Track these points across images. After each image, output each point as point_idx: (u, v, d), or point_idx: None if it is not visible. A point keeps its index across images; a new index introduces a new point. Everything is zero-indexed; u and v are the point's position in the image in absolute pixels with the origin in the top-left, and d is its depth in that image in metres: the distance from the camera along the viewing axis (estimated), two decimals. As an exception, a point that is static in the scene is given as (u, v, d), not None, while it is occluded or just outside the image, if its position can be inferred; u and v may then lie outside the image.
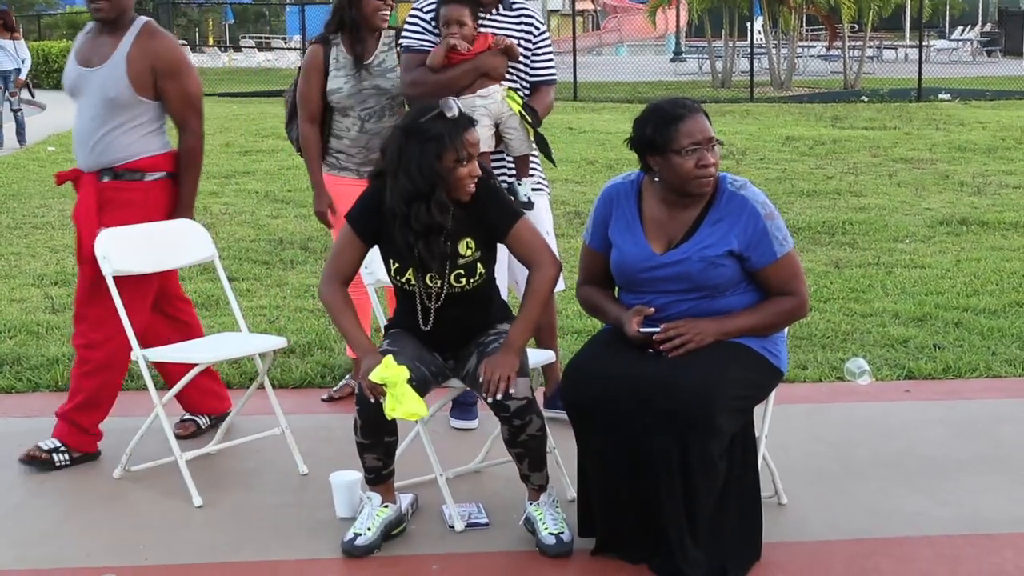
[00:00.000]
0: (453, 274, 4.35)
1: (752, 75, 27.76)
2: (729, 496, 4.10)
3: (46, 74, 34.76)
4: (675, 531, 4.01)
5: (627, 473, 4.08)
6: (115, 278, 4.98)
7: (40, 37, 43.17)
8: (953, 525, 4.56)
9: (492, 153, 5.32)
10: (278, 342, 5.21)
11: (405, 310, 4.50)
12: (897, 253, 9.56)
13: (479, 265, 4.38)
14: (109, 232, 5.06)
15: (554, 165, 5.65)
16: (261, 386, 5.23)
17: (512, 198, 4.52)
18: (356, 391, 4.28)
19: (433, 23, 5.38)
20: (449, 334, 4.46)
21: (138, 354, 4.93)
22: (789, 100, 25.92)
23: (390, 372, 4.14)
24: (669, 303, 4.19)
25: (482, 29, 5.33)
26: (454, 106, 4.23)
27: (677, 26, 42.29)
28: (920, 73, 26.33)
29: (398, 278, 4.40)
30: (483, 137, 5.18)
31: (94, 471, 5.14)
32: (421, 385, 4.29)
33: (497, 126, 5.31)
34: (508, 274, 5.40)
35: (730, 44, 31.26)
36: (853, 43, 31.66)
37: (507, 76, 5.35)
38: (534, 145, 5.40)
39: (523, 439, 4.28)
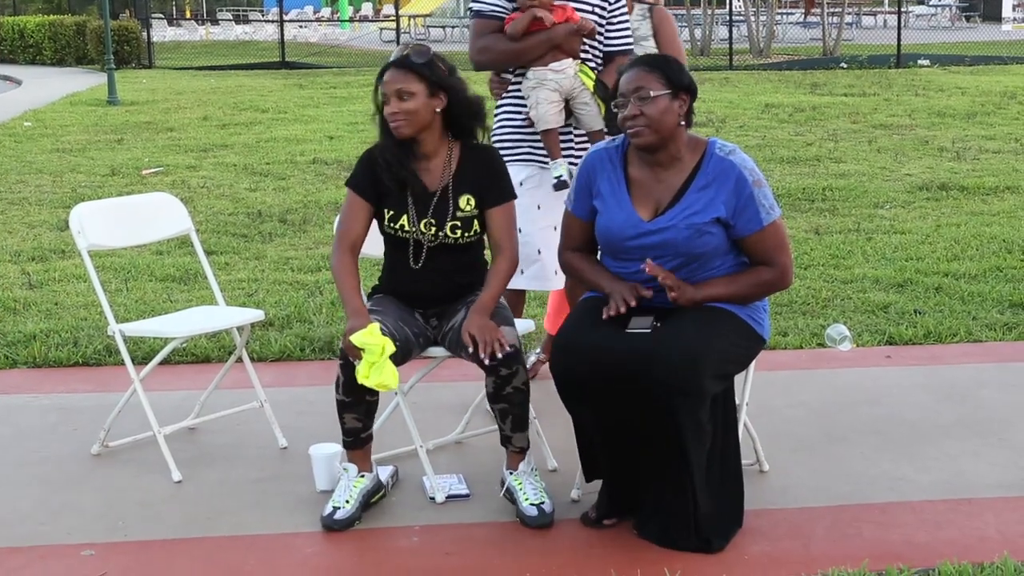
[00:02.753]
0: (450, 224, 4.45)
1: (731, 43, 27.70)
2: (711, 463, 4.09)
3: (21, 49, 34.55)
4: (677, 500, 4.01)
5: (618, 444, 4.07)
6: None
7: (15, 12, 42.86)
8: (935, 490, 4.56)
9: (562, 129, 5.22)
10: (256, 315, 5.17)
11: (393, 262, 4.58)
12: (877, 219, 9.56)
13: (476, 222, 4.48)
14: (83, 206, 5.02)
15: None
16: (239, 359, 5.20)
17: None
18: (343, 345, 4.26)
19: None
20: (434, 286, 4.51)
21: (114, 329, 4.89)
22: (768, 67, 25.90)
23: (373, 340, 4.15)
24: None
25: None
26: (399, 49, 4.43)
27: (656, -6, 42.15)
28: (899, 39, 26.35)
29: (391, 226, 4.48)
30: (551, 112, 5.12)
31: (72, 448, 5.10)
32: (404, 347, 4.31)
33: (568, 101, 5.20)
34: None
35: (709, 12, 31.17)
36: (832, 10, 31.61)
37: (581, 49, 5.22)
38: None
39: (508, 392, 4.28)
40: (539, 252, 5.24)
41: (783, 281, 4.25)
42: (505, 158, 5.25)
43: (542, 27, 5.09)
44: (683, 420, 3.93)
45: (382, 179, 4.44)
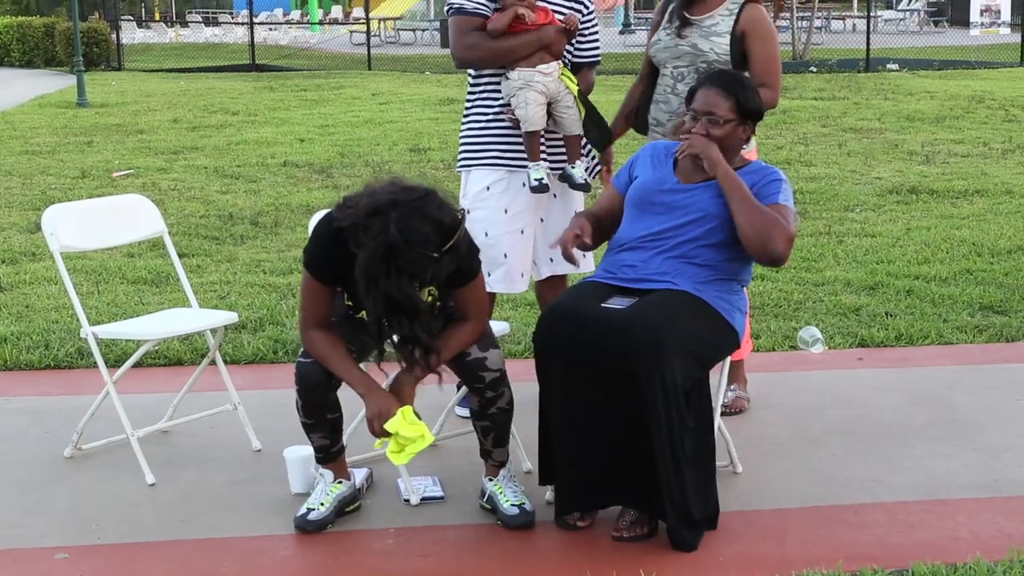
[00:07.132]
0: None
1: (702, 47, 27.74)
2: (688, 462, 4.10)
3: (-11, 50, 34.35)
4: (647, 484, 4.04)
5: (585, 425, 4.10)
6: None
7: (-17, 13, 42.58)
8: (907, 491, 4.58)
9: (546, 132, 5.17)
10: (229, 317, 5.15)
11: (348, 318, 4.33)
12: (848, 222, 9.60)
13: (436, 305, 4.25)
14: (56, 208, 5.00)
15: (600, 151, 5.41)
16: (213, 362, 5.19)
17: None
18: (296, 370, 4.21)
19: None
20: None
21: (87, 331, 4.87)
22: (739, 71, 25.94)
23: (411, 432, 4.03)
24: (670, 228, 4.34)
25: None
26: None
27: (626, -2, 42.24)
28: (868, 43, 26.45)
29: (351, 313, 4.30)
30: (539, 114, 5.07)
31: (45, 451, 5.07)
32: (360, 354, 4.27)
33: (550, 104, 5.14)
34: (532, 253, 5.32)
35: (679, 16, 31.20)
36: (802, 14, 31.73)
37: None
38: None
39: (492, 412, 4.28)
40: (505, 256, 5.23)
41: (786, 232, 4.36)
42: (472, 162, 5.25)
43: (523, 26, 5.07)
44: (652, 388, 3.95)
45: (343, 261, 3.99)
